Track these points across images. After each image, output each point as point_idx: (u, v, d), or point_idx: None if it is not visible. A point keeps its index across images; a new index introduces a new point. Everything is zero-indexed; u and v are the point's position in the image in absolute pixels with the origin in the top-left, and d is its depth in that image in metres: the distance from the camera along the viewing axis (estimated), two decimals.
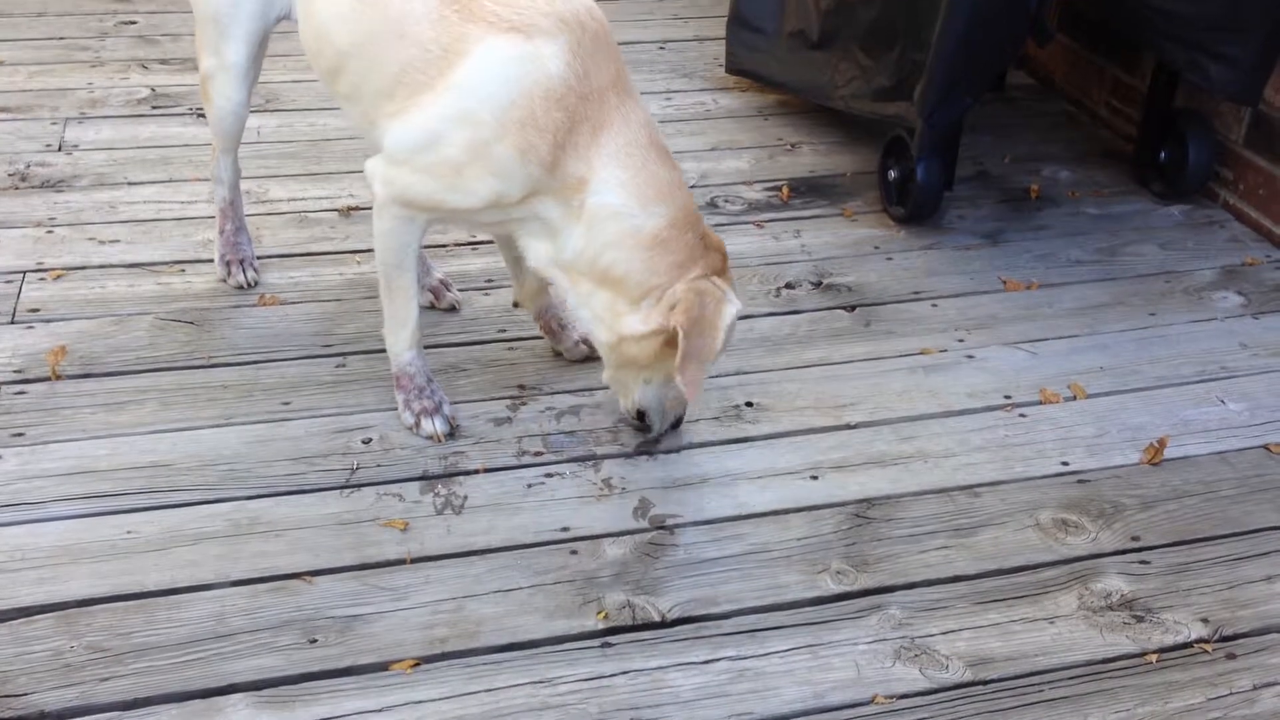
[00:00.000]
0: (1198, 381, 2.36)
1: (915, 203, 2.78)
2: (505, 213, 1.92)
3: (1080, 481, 2.09)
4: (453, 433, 2.10)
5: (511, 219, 1.94)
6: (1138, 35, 2.78)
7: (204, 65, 2.27)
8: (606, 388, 2.13)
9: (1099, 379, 2.35)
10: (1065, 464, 2.13)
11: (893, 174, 2.85)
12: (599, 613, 1.79)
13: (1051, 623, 1.81)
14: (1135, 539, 1.97)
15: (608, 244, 1.87)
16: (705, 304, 1.86)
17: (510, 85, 1.80)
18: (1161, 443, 2.16)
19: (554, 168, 1.84)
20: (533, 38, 1.80)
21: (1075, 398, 2.30)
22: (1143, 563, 1.93)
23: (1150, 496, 2.06)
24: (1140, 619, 1.82)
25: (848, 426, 2.20)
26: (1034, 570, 1.90)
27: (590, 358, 2.29)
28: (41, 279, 2.46)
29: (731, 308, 1.88)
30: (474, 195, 1.87)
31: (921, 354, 2.40)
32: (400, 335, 2.09)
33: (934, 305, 2.56)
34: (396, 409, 2.12)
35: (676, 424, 2.13)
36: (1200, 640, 1.79)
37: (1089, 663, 1.75)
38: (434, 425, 2.09)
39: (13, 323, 2.33)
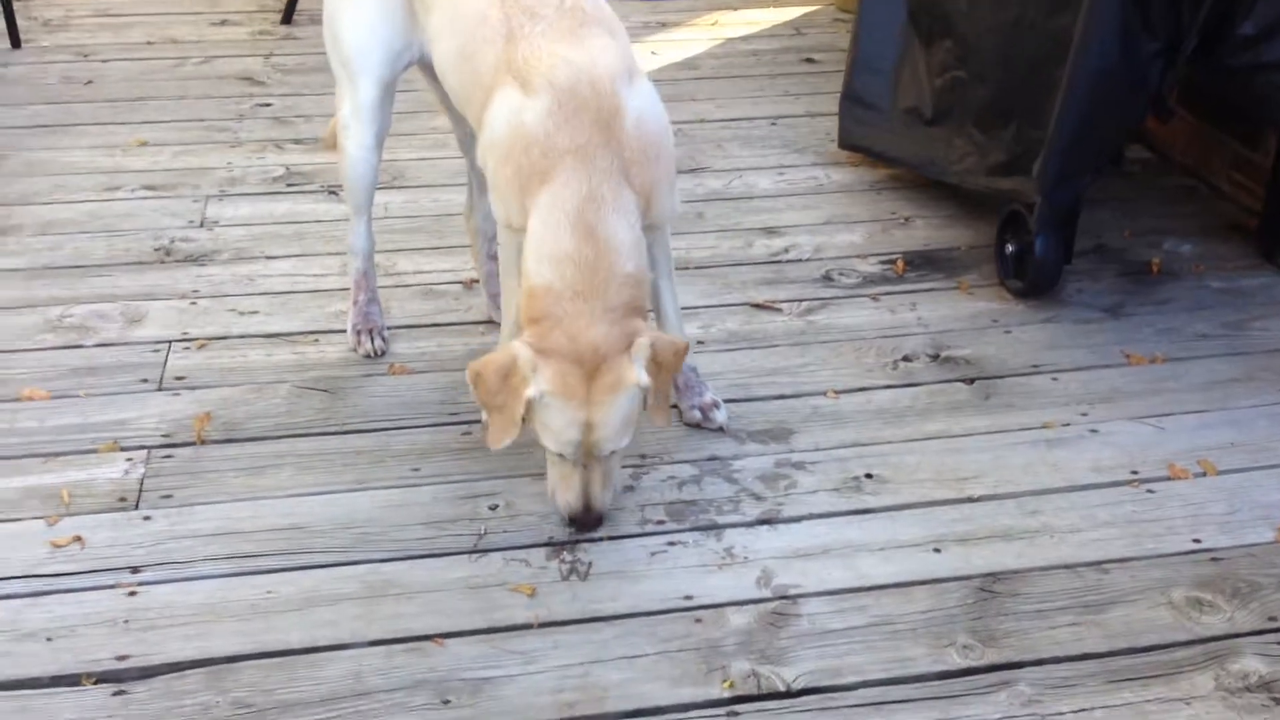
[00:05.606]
0: None
1: (1034, 277, 2.78)
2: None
3: (1213, 559, 2.05)
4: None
5: None
6: (1260, 112, 2.76)
7: (341, 114, 2.45)
8: (722, 458, 2.20)
9: (1230, 455, 2.31)
10: (1197, 541, 2.09)
11: (1010, 248, 2.85)
12: (724, 681, 1.80)
13: (1188, 704, 1.77)
14: (1273, 619, 1.93)
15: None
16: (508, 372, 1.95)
17: (501, 126, 2.05)
18: None
19: (520, 200, 2.03)
20: (524, 92, 2.02)
21: (1205, 474, 2.26)
22: None
23: None
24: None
25: (970, 499, 2.19)
26: (1167, 649, 1.87)
27: (702, 425, 2.33)
28: (186, 348, 2.58)
29: (531, 390, 1.92)
30: (501, 210, 2.10)
31: (1044, 428, 2.39)
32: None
33: (1055, 379, 2.55)
34: (523, 476, 2.18)
35: None
36: None
37: None
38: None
39: (160, 389, 2.44)
